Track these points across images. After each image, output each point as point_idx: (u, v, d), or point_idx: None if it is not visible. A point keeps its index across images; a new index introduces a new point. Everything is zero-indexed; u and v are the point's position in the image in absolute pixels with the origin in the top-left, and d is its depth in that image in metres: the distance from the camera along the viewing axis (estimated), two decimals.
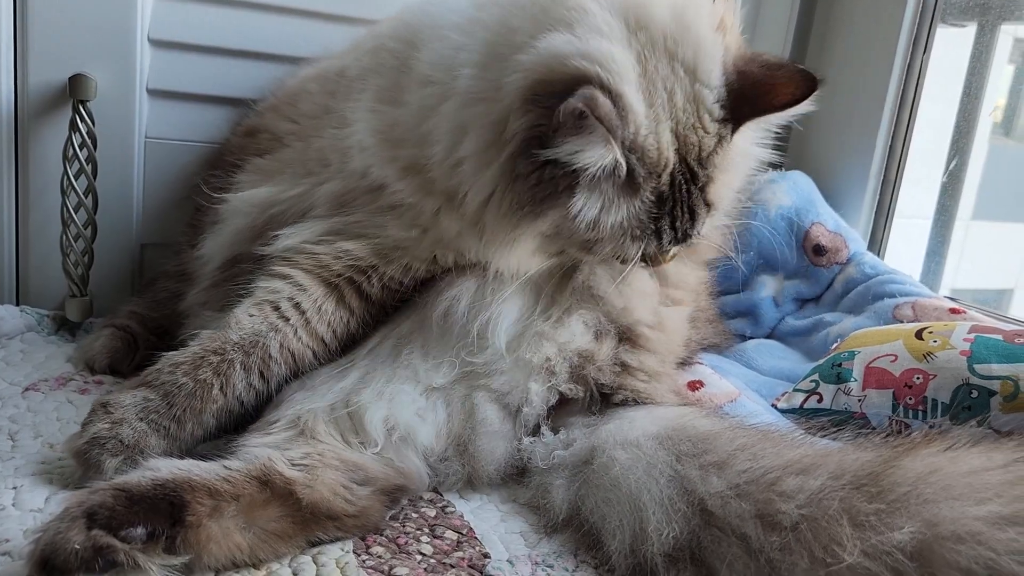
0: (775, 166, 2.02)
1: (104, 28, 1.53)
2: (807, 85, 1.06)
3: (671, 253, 1.16)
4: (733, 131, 1.08)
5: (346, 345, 1.20)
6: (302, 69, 1.55)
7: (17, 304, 1.58)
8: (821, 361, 1.47)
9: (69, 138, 1.49)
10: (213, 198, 1.36)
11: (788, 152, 2.14)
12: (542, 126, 1.00)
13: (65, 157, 1.50)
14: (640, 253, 1.11)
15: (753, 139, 1.16)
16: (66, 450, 1.06)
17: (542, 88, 1.00)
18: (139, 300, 1.53)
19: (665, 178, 1.07)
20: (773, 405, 1.44)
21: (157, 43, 1.59)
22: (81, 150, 1.50)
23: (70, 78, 1.49)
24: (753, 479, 0.98)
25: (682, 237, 1.12)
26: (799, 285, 1.89)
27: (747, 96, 1.07)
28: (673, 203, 1.08)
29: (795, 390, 1.44)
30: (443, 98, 1.11)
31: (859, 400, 1.36)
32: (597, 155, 0.99)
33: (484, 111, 1.06)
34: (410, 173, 1.16)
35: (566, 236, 1.09)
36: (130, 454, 1.03)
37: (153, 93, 1.61)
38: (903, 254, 2.01)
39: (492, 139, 1.05)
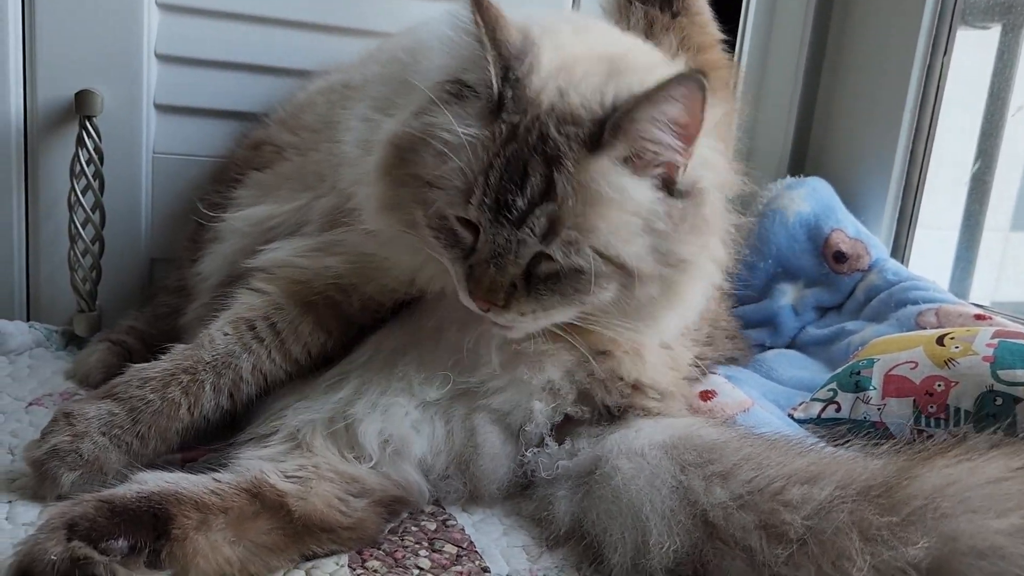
0: (793, 172, 1.99)
1: (110, 44, 1.54)
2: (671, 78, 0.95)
3: (493, 265, 0.97)
4: (605, 124, 0.95)
5: (320, 364, 1.18)
6: (313, 82, 1.55)
7: (27, 320, 1.58)
8: (839, 370, 1.43)
9: (76, 154, 1.50)
10: (211, 215, 1.35)
11: (806, 158, 2.10)
12: None
13: (72, 173, 1.51)
14: (468, 239, 0.99)
15: (643, 193, 0.98)
16: (24, 459, 1.04)
17: None
18: (138, 315, 1.53)
19: (527, 119, 0.96)
20: (790, 415, 1.39)
21: (164, 58, 1.59)
22: (88, 166, 1.51)
23: (76, 94, 1.50)
24: (757, 489, 0.94)
25: (502, 204, 0.95)
26: (819, 293, 1.84)
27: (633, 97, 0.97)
28: (517, 149, 0.95)
29: (813, 399, 1.40)
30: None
31: (879, 409, 1.31)
32: (469, 52, 0.99)
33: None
34: None
35: (410, 172, 1.01)
36: (89, 469, 1.02)
37: (160, 108, 1.61)
38: (929, 262, 1.95)
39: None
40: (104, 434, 1.04)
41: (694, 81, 0.92)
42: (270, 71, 1.65)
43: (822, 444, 1.05)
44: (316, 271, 1.18)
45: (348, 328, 1.19)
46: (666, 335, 1.16)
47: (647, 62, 1.07)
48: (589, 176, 0.95)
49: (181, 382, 1.09)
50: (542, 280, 0.99)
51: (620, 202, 0.96)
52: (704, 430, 1.08)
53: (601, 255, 0.96)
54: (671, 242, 0.99)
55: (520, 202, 0.95)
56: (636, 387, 1.16)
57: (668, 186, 1.00)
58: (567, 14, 1.23)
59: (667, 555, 0.94)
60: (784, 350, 1.79)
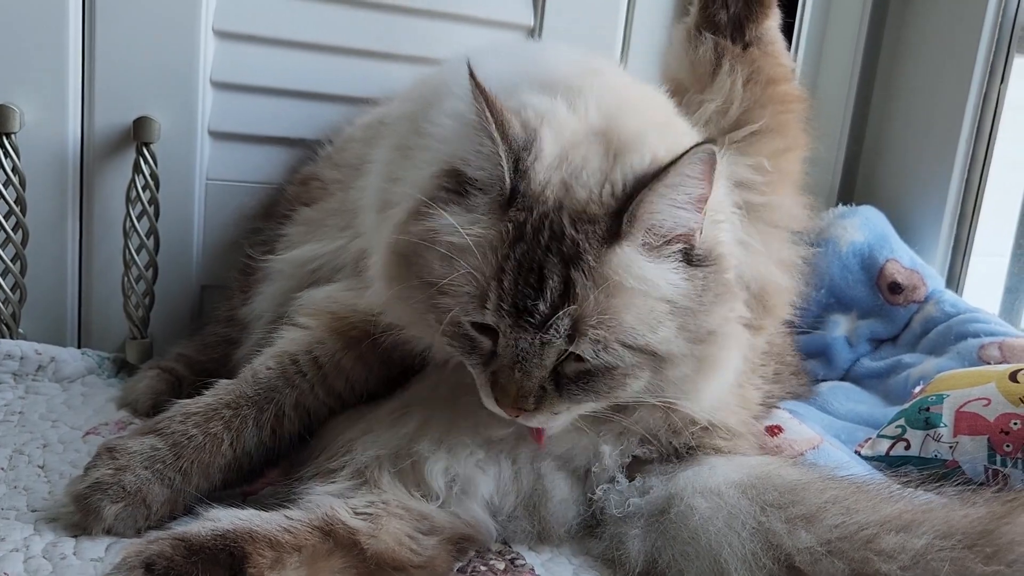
0: (844, 201, 1.96)
1: (167, 71, 1.53)
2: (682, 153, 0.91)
3: (518, 370, 0.92)
4: (622, 212, 0.91)
5: (363, 400, 1.16)
6: (361, 115, 1.54)
7: (79, 346, 1.57)
8: (906, 405, 1.39)
9: (132, 180, 1.50)
10: (260, 255, 1.36)
11: (856, 186, 2.07)
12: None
13: (128, 199, 1.50)
14: (488, 344, 0.95)
15: (671, 278, 0.94)
16: (66, 494, 1.03)
17: None
18: (188, 343, 1.52)
19: (535, 216, 0.92)
20: (856, 452, 1.35)
21: (219, 85, 1.59)
22: (144, 192, 1.50)
23: (135, 121, 1.50)
24: (846, 535, 0.91)
25: (522, 309, 0.90)
26: (874, 324, 1.81)
27: (646, 178, 0.93)
28: (528, 248, 0.91)
29: (880, 436, 1.36)
30: (425, 147, 1.07)
31: (950, 447, 1.27)
32: (480, 146, 0.93)
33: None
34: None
35: (419, 268, 0.96)
36: (131, 501, 1.01)
37: (214, 135, 1.61)
38: (978, 290, 1.91)
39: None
40: (147, 468, 1.03)
41: (704, 153, 0.90)
42: (324, 98, 1.64)
43: (911, 490, 1.01)
44: (352, 308, 1.18)
45: (390, 366, 1.17)
46: (704, 404, 1.08)
47: (639, 126, 1.01)
48: (610, 270, 0.91)
49: (223, 417, 1.09)
50: (572, 380, 0.95)
51: (644, 291, 0.92)
52: (784, 469, 1.05)
53: (630, 347, 0.93)
54: (698, 317, 0.95)
55: (541, 306, 0.90)
56: (706, 428, 1.13)
57: (687, 256, 0.96)
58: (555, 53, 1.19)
59: None
60: (839, 383, 1.75)
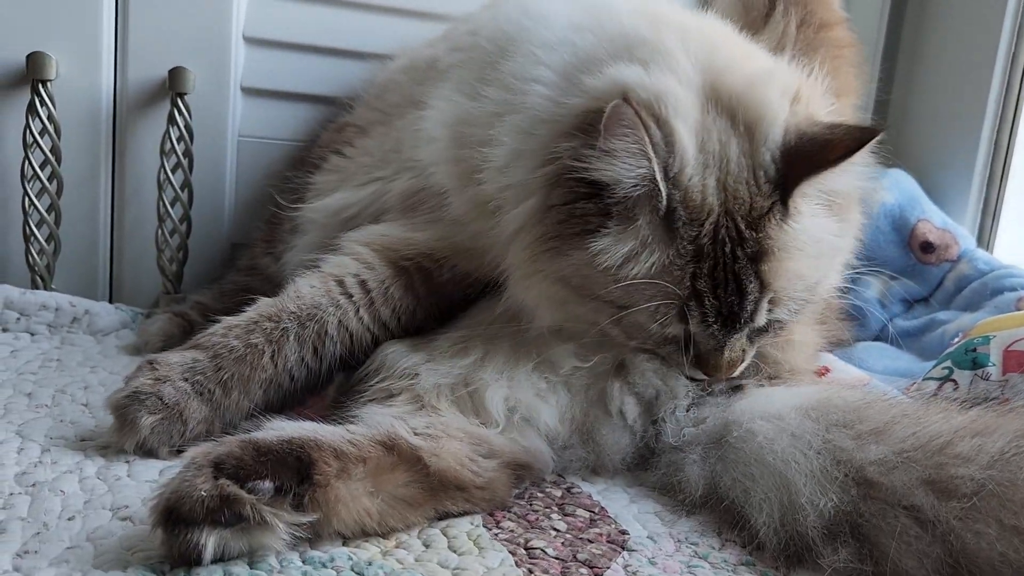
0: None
1: (201, 25, 1.53)
2: (863, 136, 0.95)
3: (727, 350, 1.00)
4: (788, 193, 0.96)
5: (409, 333, 1.15)
6: (391, 63, 1.53)
7: (110, 302, 1.55)
8: (951, 349, 1.38)
9: (167, 131, 1.49)
10: (290, 204, 1.35)
11: (885, 150, 2.06)
12: (586, 151, 0.93)
13: (162, 151, 1.49)
14: (683, 334, 0.99)
15: (829, 227, 1.01)
16: (106, 404, 1.02)
17: (596, 116, 0.93)
18: (206, 291, 1.52)
19: (707, 228, 0.95)
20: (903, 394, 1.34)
21: (251, 41, 1.59)
22: (178, 143, 1.49)
23: (170, 71, 1.49)
24: (919, 445, 0.89)
25: (728, 315, 0.96)
26: (907, 285, 1.80)
27: (803, 154, 0.96)
28: (714, 263, 0.95)
29: (927, 379, 1.34)
30: (514, 109, 1.05)
31: (1000, 386, 1.26)
32: (633, 166, 0.91)
33: (543, 133, 1.00)
34: (468, 184, 1.08)
35: (591, 292, 0.98)
36: (168, 415, 1.00)
37: (246, 91, 1.60)
38: (1010, 253, 1.90)
39: (539, 164, 0.99)
40: (186, 380, 1.02)
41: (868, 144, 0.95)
42: (355, 55, 1.64)
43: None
44: (407, 241, 1.16)
45: (439, 299, 1.16)
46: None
47: (742, 79, 1.01)
48: (789, 243, 0.97)
49: (265, 329, 1.07)
50: (764, 330, 1.03)
51: (815, 244, 0.99)
52: (844, 392, 1.03)
53: (810, 289, 1.02)
54: (841, 252, 1.07)
55: (748, 307, 0.97)
56: (778, 360, 1.13)
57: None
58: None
59: (823, 512, 0.89)
60: (872, 343, 1.74)
